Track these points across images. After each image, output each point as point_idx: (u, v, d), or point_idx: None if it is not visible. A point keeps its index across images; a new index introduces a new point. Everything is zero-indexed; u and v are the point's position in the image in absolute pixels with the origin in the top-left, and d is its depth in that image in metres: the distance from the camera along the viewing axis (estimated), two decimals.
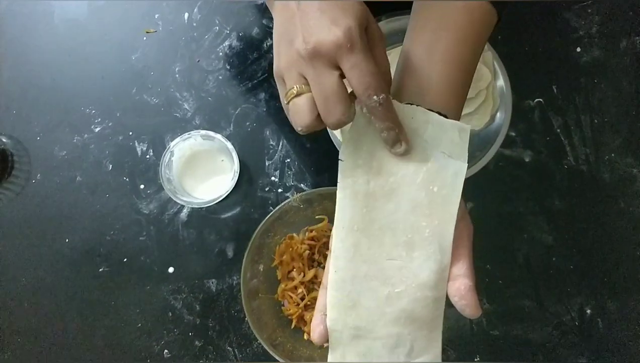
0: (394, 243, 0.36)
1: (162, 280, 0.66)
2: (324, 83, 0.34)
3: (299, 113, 0.35)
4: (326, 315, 0.36)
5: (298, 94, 0.35)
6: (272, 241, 0.63)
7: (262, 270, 0.62)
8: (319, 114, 0.35)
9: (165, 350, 0.64)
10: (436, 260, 0.36)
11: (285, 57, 0.36)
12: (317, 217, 0.64)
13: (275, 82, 0.38)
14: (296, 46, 0.34)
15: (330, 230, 0.64)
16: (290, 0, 0.35)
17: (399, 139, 0.36)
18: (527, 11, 0.74)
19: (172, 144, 0.64)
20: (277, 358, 0.56)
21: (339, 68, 0.34)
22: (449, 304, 0.64)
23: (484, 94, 0.67)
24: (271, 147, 0.69)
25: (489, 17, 0.42)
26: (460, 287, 0.36)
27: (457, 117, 0.41)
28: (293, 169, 0.69)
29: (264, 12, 0.74)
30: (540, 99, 0.70)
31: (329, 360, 0.37)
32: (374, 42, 0.35)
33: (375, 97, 0.34)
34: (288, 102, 0.36)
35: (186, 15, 0.74)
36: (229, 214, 0.68)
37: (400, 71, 0.41)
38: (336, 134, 0.61)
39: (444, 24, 0.41)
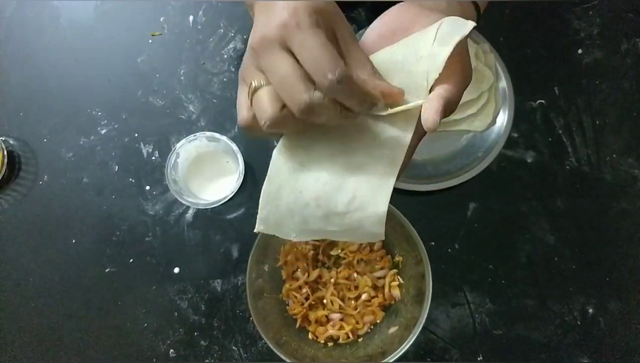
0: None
1: (167, 280, 0.67)
2: (279, 67, 0.32)
3: (260, 106, 0.33)
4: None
5: (257, 89, 0.33)
6: (277, 241, 0.63)
7: (267, 270, 0.63)
8: (284, 106, 0.32)
9: (171, 350, 0.65)
10: (399, 127, 0.35)
11: (244, 60, 0.35)
12: None
13: None
14: (250, 40, 0.33)
15: None
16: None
17: (374, 103, 0.34)
18: (528, 13, 0.74)
19: (177, 145, 0.64)
20: (282, 357, 0.56)
21: (291, 52, 0.32)
22: (452, 303, 0.64)
23: (486, 95, 0.68)
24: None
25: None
26: (432, 95, 0.33)
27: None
28: None
29: None
30: (542, 101, 0.71)
31: (262, 192, 0.36)
32: (345, 41, 0.34)
33: (330, 75, 0.30)
34: (251, 101, 0.34)
35: (191, 18, 0.75)
36: (234, 215, 0.68)
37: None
38: None
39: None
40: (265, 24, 0.32)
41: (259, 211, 0.36)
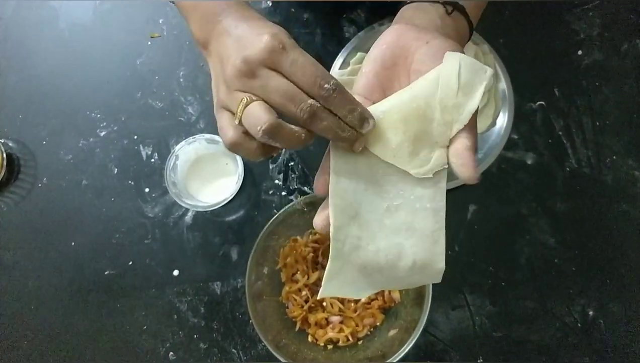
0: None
1: (167, 283, 0.67)
2: (277, 84, 0.33)
3: (255, 116, 0.33)
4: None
5: (248, 103, 0.34)
6: (276, 244, 0.63)
7: (266, 272, 0.62)
8: (278, 116, 0.33)
9: (171, 352, 0.65)
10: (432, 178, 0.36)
11: (223, 86, 0.36)
12: None
13: None
14: (231, 66, 0.34)
15: None
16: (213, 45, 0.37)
17: (365, 117, 0.34)
18: (528, 14, 0.74)
19: (177, 147, 0.64)
20: (281, 360, 0.56)
21: (280, 73, 0.33)
22: (452, 306, 0.64)
23: (486, 97, 0.68)
24: None
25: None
26: (459, 147, 0.35)
27: (474, 16, 0.44)
28: (296, 173, 0.69)
29: (267, 16, 0.75)
30: (542, 102, 0.70)
31: (327, 269, 0.36)
32: None
33: (326, 85, 0.32)
34: (240, 119, 0.34)
35: None
36: (234, 217, 0.68)
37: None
38: None
39: None
40: (246, 48, 0.34)
41: (324, 281, 0.36)
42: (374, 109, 0.36)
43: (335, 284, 0.36)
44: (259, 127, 0.33)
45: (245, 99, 0.34)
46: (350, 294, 0.39)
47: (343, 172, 0.36)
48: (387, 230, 0.36)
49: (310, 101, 0.33)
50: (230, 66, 0.34)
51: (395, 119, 0.36)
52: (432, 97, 0.35)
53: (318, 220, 0.36)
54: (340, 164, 0.36)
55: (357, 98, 0.35)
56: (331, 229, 0.36)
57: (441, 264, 0.37)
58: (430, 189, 0.36)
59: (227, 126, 0.36)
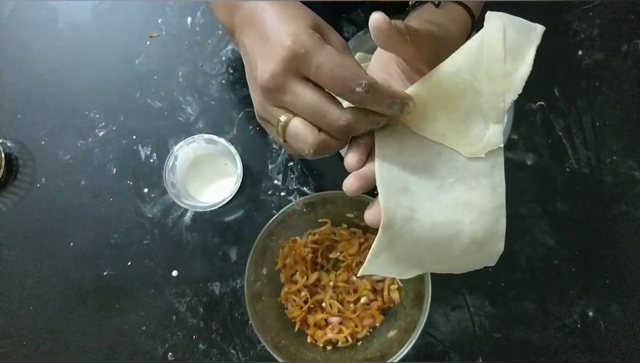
0: None
1: (166, 284, 0.66)
2: (304, 98, 0.31)
3: (298, 138, 0.32)
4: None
5: (286, 124, 0.33)
6: (276, 244, 0.63)
7: (265, 273, 0.62)
8: (321, 130, 0.32)
9: (170, 353, 0.64)
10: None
11: (257, 97, 0.34)
12: (320, 220, 0.64)
13: None
14: (258, 81, 0.33)
15: (334, 233, 0.64)
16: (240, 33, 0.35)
17: (405, 103, 0.32)
18: (528, 14, 0.74)
19: (175, 148, 0.64)
20: (280, 360, 0.56)
21: (309, 79, 0.32)
22: (451, 306, 0.64)
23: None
24: (274, 150, 0.70)
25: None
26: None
27: (476, 11, 0.43)
28: (296, 173, 0.69)
29: None
30: (542, 102, 0.70)
31: (375, 242, 0.32)
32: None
33: (358, 88, 0.30)
34: (284, 138, 0.33)
35: (189, 19, 0.75)
36: (233, 217, 0.68)
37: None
38: None
39: None
40: (270, 58, 0.32)
41: (370, 256, 0.33)
42: (417, 89, 0.33)
43: (381, 261, 0.33)
44: (306, 151, 0.32)
45: (282, 119, 0.33)
46: (395, 273, 0.35)
47: (389, 155, 0.33)
48: (442, 205, 0.33)
49: (342, 119, 0.31)
50: (259, 79, 0.32)
51: (441, 96, 0.32)
52: (477, 67, 0.32)
53: (370, 214, 0.33)
54: (385, 147, 0.33)
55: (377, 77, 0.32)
56: (380, 198, 0.32)
57: (500, 245, 0.34)
58: (486, 164, 0.33)
59: (277, 138, 0.35)
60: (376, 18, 0.31)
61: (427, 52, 0.35)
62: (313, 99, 0.31)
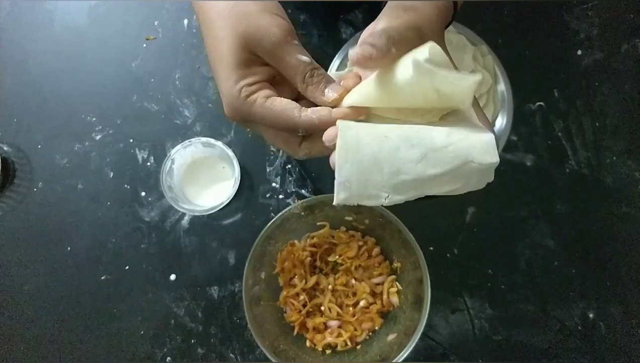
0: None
1: (164, 288, 0.66)
2: (264, 134, 0.36)
3: (277, 144, 0.37)
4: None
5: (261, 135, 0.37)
6: (274, 248, 0.63)
7: (264, 277, 0.62)
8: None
9: (168, 358, 0.64)
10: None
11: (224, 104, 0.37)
12: (318, 224, 0.64)
13: None
14: (223, 103, 0.36)
15: (332, 237, 0.64)
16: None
17: (337, 102, 0.34)
18: (527, 14, 0.73)
19: (173, 151, 0.64)
20: None
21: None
22: (451, 309, 0.64)
23: (484, 98, 0.67)
24: (272, 153, 0.69)
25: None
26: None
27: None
28: (294, 176, 0.69)
29: None
30: (542, 103, 0.70)
31: (338, 143, 0.30)
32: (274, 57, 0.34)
33: (300, 131, 0.33)
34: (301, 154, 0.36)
35: (186, 21, 0.74)
36: (231, 221, 0.68)
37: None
38: None
39: None
40: (223, 102, 0.35)
41: (336, 175, 0.30)
42: (370, 90, 0.32)
43: (352, 169, 0.30)
44: (298, 156, 0.36)
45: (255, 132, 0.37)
46: (372, 193, 0.30)
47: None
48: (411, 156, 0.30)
49: (300, 153, 0.35)
50: (224, 107, 0.36)
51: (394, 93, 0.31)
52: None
53: (327, 136, 0.33)
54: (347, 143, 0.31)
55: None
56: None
57: (490, 134, 0.30)
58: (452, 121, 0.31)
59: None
60: (356, 56, 0.31)
61: (410, 46, 0.35)
62: (270, 135, 0.35)
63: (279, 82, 0.37)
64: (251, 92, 0.33)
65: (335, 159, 0.30)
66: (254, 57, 0.34)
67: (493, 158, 0.30)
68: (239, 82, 0.33)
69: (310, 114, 0.33)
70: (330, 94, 0.33)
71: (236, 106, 0.33)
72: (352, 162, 0.30)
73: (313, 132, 0.33)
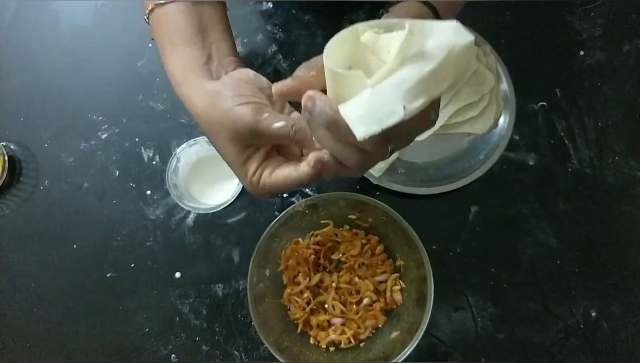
0: None
1: (169, 285, 0.67)
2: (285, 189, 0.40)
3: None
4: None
5: None
6: (278, 246, 0.63)
7: (268, 274, 0.62)
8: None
9: (173, 355, 0.65)
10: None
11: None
12: (322, 222, 0.64)
13: None
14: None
15: (336, 235, 0.65)
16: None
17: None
18: (530, 15, 0.74)
19: (178, 150, 0.64)
20: (283, 362, 0.56)
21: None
22: (454, 307, 0.64)
23: (487, 98, 0.68)
24: None
25: None
26: None
27: (446, 10, 0.44)
28: None
29: (268, 18, 0.75)
30: (544, 103, 0.70)
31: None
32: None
33: (299, 188, 0.41)
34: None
35: None
36: (235, 219, 0.68)
37: None
38: None
39: None
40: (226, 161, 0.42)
41: (344, 117, 0.29)
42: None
43: (365, 116, 0.29)
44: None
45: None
46: (389, 111, 0.29)
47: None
48: None
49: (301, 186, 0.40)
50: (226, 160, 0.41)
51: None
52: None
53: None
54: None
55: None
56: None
57: (469, 35, 0.30)
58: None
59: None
60: (275, 91, 0.37)
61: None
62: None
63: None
64: (257, 179, 0.39)
65: (342, 113, 0.30)
66: (249, 145, 0.39)
67: (468, 36, 0.30)
68: (247, 177, 0.40)
69: (307, 169, 0.37)
70: (314, 145, 0.37)
71: (256, 192, 0.40)
72: (355, 104, 0.30)
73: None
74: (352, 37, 0.32)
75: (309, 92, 0.33)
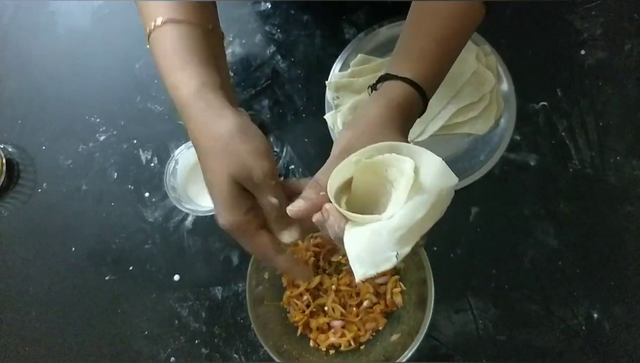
0: None
1: (168, 288, 0.66)
2: (248, 247, 0.42)
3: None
4: None
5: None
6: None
7: (267, 277, 0.62)
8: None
9: (172, 358, 0.64)
10: None
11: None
12: None
13: (278, 89, 0.40)
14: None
15: None
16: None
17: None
18: (530, 14, 0.73)
19: (176, 152, 0.64)
20: None
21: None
22: (455, 309, 0.64)
23: (488, 98, 0.67)
24: (275, 153, 0.69)
25: (475, 12, 0.46)
26: None
27: (431, 87, 0.45)
28: (297, 176, 0.69)
29: (266, 19, 0.74)
30: (545, 103, 0.70)
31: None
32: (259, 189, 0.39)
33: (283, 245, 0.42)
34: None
35: None
36: None
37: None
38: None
39: (432, 11, 0.46)
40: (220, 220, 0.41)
41: (349, 257, 0.35)
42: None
43: (365, 259, 0.34)
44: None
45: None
46: (385, 263, 0.34)
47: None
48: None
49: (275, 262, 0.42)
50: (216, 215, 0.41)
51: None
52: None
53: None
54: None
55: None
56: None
57: (454, 178, 0.35)
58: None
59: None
60: (292, 214, 0.39)
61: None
62: (254, 249, 0.42)
63: None
64: (245, 230, 0.41)
65: (345, 246, 0.35)
66: (242, 188, 0.40)
67: (453, 178, 0.35)
68: (240, 209, 0.40)
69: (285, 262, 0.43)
70: (285, 238, 0.41)
71: (236, 234, 0.41)
72: (356, 241, 0.35)
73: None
74: (349, 166, 0.37)
75: (326, 206, 0.37)
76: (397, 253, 0.34)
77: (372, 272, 0.34)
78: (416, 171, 0.35)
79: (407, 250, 0.34)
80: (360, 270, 0.34)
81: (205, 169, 0.41)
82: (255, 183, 0.38)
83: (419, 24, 0.47)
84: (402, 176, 0.35)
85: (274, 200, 0.39)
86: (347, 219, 0.36)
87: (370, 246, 0.34)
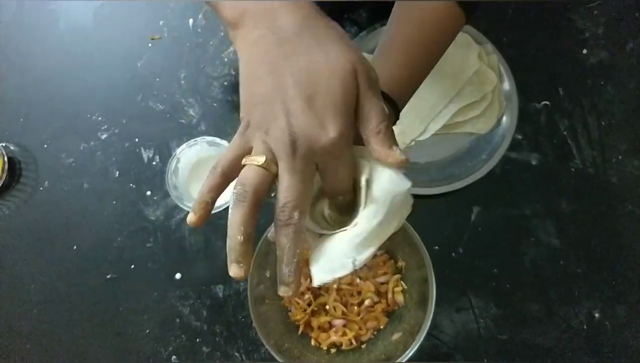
0: None
1: (169, 286, 0.66)
2: (298, 175, 0.31)
3: (248, 180, 0.32)
4: None
5: (261, 166, 0.32)
6: None
7: (268, 275, 0.62)
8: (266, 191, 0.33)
9: (173, 357, 0.64)
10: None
11: (262, 115, 0.33)
12: None
13: None
14: (279, 124, 0.31)
15: None
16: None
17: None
18: (532, 13, 0.73)
19: (178, 150, 0.64)
20: None
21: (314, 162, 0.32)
22: (456, 308, 0.64)
23: (489, 97, 0.67)
24: None
25: (454, 19, 0.46)
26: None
27: (403, 101, 0.45)
28: None
29: None
30: (547, 102, 0.70)
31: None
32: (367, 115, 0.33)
33: (340, 197, 0.35)
34: (244, 164, 0.33)
35: (191, 21, 0.74)
36: None
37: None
38: None
39: (409, 18, 0.45)
40: (308, 134, 0.31)
41: (310, 267, 0.35)
42: None
43: (323, 266, 0.35)
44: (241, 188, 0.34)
45: (263, 161, 0.32)
46: (342, 269, 0.35)
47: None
48: None
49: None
50: (282, 126, 0.31)
51: None
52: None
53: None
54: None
55: None
56: None
57: (407, 182, 0.35)
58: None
59: (237, 149, 0.36)
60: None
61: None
62: (303, 183, 0.32)
63: None
64: (350, 141, 0.33)
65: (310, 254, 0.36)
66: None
67: (405, 182, 0.35)
68: (347, 130, 0.33)
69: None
70: (397, 153, 0.33)
71: (341, 147, 0.32)
72: (318, 250, 0.36)
73: None
74: None
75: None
76: (355, 259, 0.34)
77: (328, 278, 0.35)
78: (369, 180, 0.35)
79: (364, 256, 0.35)
80: (318, 277, 0.35)
81: (314, 60, 0.32)
82: (374, 83, 0.33)
83: (396, 32, 0.46)
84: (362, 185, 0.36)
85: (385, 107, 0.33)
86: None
87: (330, 253, 0.35)
